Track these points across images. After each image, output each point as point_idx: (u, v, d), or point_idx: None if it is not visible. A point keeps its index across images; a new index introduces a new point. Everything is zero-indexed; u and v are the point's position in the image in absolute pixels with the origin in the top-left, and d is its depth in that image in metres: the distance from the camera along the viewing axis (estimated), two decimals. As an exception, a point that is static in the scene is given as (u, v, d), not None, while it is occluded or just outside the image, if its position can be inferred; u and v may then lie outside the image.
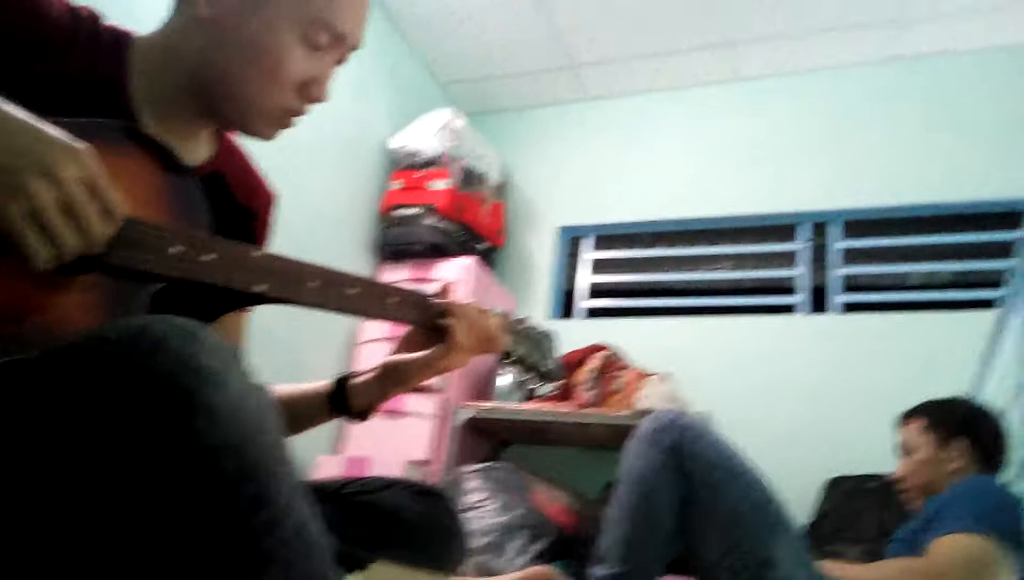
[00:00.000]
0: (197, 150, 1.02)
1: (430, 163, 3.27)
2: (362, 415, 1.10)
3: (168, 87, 0.95)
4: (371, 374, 1.09)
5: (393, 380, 1.07)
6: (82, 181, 0.68)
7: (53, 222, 0.66)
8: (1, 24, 0.82)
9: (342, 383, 1.10)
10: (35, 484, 0.63)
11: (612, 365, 2.77)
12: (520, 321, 1.16)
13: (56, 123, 0.70)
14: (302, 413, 1.10)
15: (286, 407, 0.98)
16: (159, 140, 0.87)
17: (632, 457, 1.89)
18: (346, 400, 1.09)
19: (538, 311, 3.46)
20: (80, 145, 0.69)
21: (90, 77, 0.90)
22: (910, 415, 2.00)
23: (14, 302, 0.71)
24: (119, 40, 0.95)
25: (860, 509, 2.36)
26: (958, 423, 1.89)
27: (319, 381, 1.12)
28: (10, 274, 0.71)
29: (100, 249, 0.71)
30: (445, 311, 1.03)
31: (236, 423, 0.63)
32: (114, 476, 0.62)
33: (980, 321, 2.34)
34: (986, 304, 2.68)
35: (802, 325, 3.08)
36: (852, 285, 3.19)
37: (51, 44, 0.87)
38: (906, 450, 1.96)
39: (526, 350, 1.14)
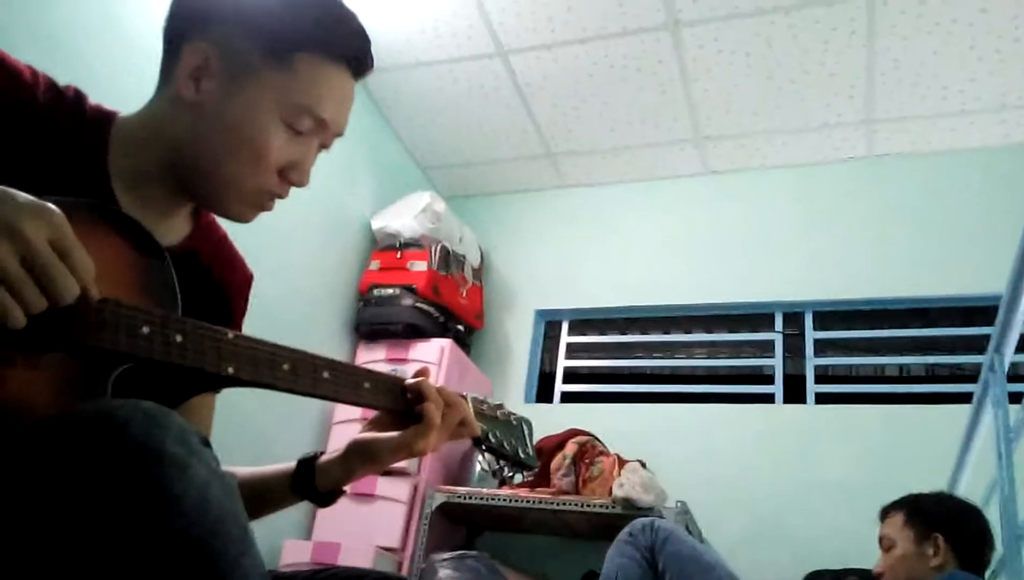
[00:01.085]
0: (173, 229, 1.01)
1: (410, 244, 3.29)
2: (327, 499, 1.07)
3: (147, 166, 0.96)
4: (337, 453, 1.06)
5: (361, 459, 1.03)
6: (49, 241, 0.68)
7: (17, 281, 0.65)
8: None
9: (308, 463, 1.06)
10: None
11: (589, 451, 2.73)
12: (496, 406, 1.15)
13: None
14: (267, 497, 1.06)
15: (249, 490, 0.95)
16: (134, 219, 0.87)
17: (611, 559, 1.97)
18: (312, 480, 1.05)
19: (515, 394, 3.44)
20: (49, 206, 0.69)
21: (69, 155, 0.90)
22: (889, 509, 1.98)
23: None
24: (101, 119, 0.96)
25: (839, 605, 2.31)
26: (938, 519, 1.87)
27: (286, 463, 1.09)
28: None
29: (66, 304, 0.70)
30: (420, 395, 1.02)
31: (200, 513, 0.61)
32: (68, 564, 0.59)
33: (955, 415, 2.34)
34: (961, 398, 2.70)
35: (778, 415, 3.08)
36: (826, 376, 3.20)
37: (32, 121, 0.87)
38: (886, 545, 1.94)
39: (501, 437, 1.12)
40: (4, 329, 0.70)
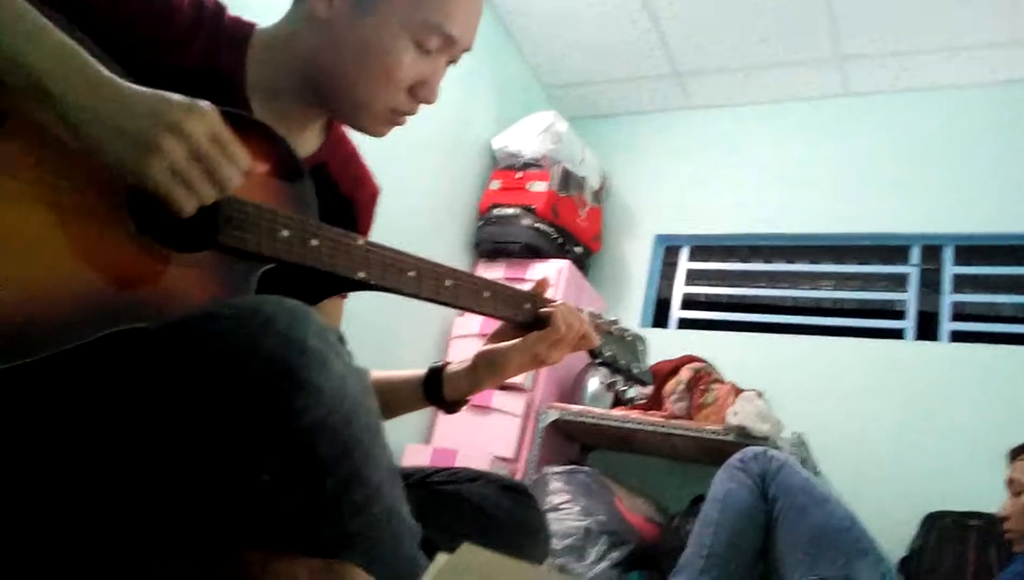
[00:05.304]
0: (306, 141, 1.05)
1: (530, 164, 3.29)
2: (454, 406, 1.12)
3: (283, 80, 0.99)
4: (465, 363, 1.10)
5: (486, 369, 1.08)
6: (207, 134, 0.73)
7: (189, 173, 0.71)
8: (126, 16, 0.87)
9: (437, 372, 1.11)
10: (143, 450, 0.67)
11: (704, 378, 2.72)
12: (612, 322, 1.16)
13: None
14: (396, 399, 1.12)
15: (381, 393, 1.01)
16: (273, 129, 0.91)
17: (720, 482, 1.96)
18: (440, 388, 1.10)
19: (631, 319, 3.43)
20: (202, 102, 0.74)
21: (209, 68, 0.94)
22: (1020, 451, 1.89)
23: (135, 276, 0.76)
24: (240, 33, 0.99)
25: (961, 547, 2.24)
26: None
27: (413, 369, 1.15)
28: (133, 250, 0.76)
29: (226, 197, 0.76)
30: (541, 303, 1.04)
31: (337, 403, 0.65)
32: (215, 447, 0.65)
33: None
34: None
35: (909, 352, 2.95)
36: (961, 313, 3.03)
37: (174, 36, 0.91)
38: (1015, 489, 1.85)
39: (617, 351, 1.13)
40: (163, 227, 0.76)
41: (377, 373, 1.11)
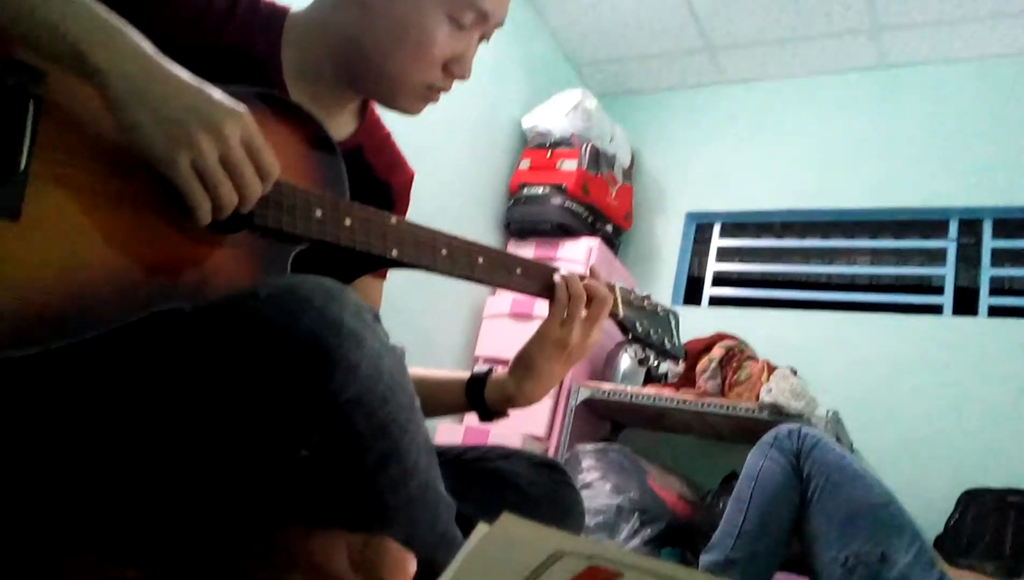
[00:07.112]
0: (342, 125, 1.06)
1: (560, 143, 3.27)
2: (493, 415, 1.10)
3: (319, 61, 0.99)
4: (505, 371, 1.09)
5: (521, 368, 1.06)
6: (242, 141, 0.73)
7: (215, 176, 0.71)
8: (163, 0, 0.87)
9: (482, 376, 1.09)
10: (184, 428, 0.68)
11: (736, 355, 2.70)
12: (643, 297, 1.15)
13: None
14: (432, 398, 1.08)
15: (423, 390, 0.99)
16: (308, 111, 0.91)
17: (754, 460, 1.95)
18: (482, 391, 1.08)
19: (662, 296, 3.41)
20: (242, 107, 0.74)
21: (244, 50, 0.95)
22: None
23: (171, 258, 0.77)
24: (275, 15, 1.00)
25: (999, 524, 2.21)
26: None
27: (448, 370, 1.14)
28: (168, 231, 0.77)
29: (251, 208, 0.76)
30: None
31: (373, 381, 0.66)
32: (254, 424, 0.66)
33: None
34: None
35: (946, 327, 2.90)
36: (1000, 288, 2.97)
37: (210, 18, 0.92)
38: None
39: (648, 326, 1.13)
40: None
41: (412, 369, 1.11)
